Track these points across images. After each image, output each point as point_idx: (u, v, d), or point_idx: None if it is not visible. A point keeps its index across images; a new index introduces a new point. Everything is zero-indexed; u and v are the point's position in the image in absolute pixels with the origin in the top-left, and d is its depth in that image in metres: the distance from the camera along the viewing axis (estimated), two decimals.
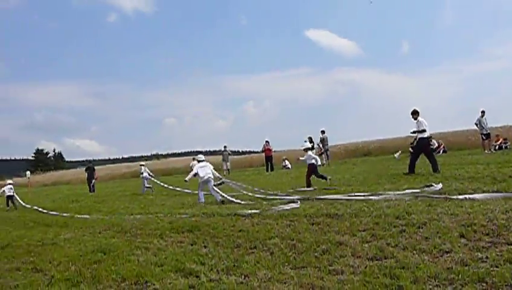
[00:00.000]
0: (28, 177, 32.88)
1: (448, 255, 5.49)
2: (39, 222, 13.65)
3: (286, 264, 5.81)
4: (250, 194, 14.27)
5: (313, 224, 8.13)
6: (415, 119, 15.34)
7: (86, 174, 29.76)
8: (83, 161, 55.86)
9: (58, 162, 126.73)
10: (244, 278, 5.41)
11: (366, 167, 23.45)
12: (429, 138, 15.71)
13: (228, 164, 34.64)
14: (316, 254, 6.11)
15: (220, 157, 36.54)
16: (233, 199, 13.07)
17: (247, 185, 15.93)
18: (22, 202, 21.73)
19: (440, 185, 11.18)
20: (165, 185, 21.73)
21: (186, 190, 18.71)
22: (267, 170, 30.39)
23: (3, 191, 21.73)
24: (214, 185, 13.78)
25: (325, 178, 14.88)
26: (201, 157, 14.41)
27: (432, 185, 11.37)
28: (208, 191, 14.04)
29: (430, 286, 4.55)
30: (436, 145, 30.99)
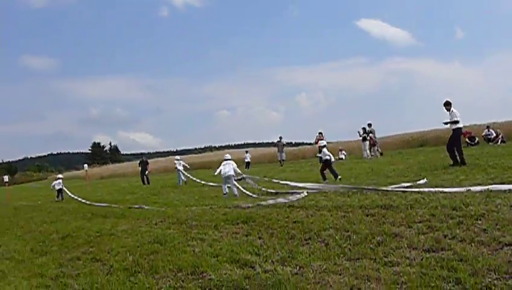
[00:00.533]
0: (86, 170, 34.07)
1: (509, 247, 5.37)
2: (97, 214, 14.26)
3: (341, 255, 5.87)
4: (262, 189, 14.84)
5: (367, 215, 8.13)
6: (448, 110, 15.58)
7: (140, 167, 30.72)
8: (138, 154, 57.43)
9: (114, 155, 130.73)
10: (298, 269, 5.51)
11: (422, 157, 22.93)
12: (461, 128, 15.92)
13: (283, 154, 34.79)
14: (371, 245, 6.13)
15: (274, 149, 36.65)
16: (247, 192, 14.13)
17: (269, 178, 16.62)
18: (70, 194, 23.18)
19: (424, 181, 12.26)
20: (194, 179, 23.21)
21: (211, 183, 20.25)
22: (321, 162, 30.24)
23: (54, 185, 24.32)
24: (235, 179, 14.75)
25: (336, 176, 15.81)
26: (227, 156, 15.43)
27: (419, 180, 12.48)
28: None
29: (490, 279, 4.48)
30: (494, 135, 29.99)
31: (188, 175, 24.24)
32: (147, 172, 29.76)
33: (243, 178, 15.29)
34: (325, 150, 16.72)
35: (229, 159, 15.20)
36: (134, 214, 12.67)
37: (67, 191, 23.92)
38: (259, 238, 7.49)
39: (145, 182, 29.35)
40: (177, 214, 11.34)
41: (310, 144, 44.58)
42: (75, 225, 12.01)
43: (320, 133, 31.40)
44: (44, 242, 10.07)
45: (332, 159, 16.58)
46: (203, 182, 21.71)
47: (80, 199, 19.86)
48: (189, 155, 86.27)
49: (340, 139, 47.22)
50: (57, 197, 23.84)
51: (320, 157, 16.51)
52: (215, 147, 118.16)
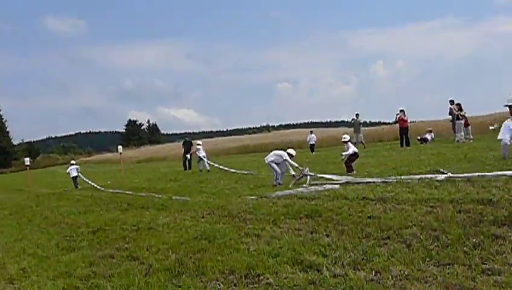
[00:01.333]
0: (120, 153, 34.68)
1: None
2: (133, 204, 14.71)
3: (427, 259, 5.85)
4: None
5: (460, 211, 8.02)
6: None
7: (182, 149, 31.35)
8: (181, 134, 58.34)
9: (153, 135, 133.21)
10: (375, 275, 5.55)
11: None
12: None
13: (360, 135, 34.47)
14: (465, 248, 6.06)
15: (343, 129, 36.36)
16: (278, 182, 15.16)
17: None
18: (90, 182, 24.21)
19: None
20: (221, 167, 24.48)
21: (244, 171, 20.92)
22: (402, 145, 29.80)
23: (69, 172, 26.74)
24: (297, 179, 15.07)
25: (351, 171, 16.62)
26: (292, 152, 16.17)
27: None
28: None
29: None
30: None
31: (217, 165, 25.23)
32: (188, 155, 30.32)
33: (304, 175, 15.21)
34: (349, 144, 17.82)
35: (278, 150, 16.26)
36: (177, 205, 13.02)
37: (87, 180, 25.08)
38: (327, 236, 7.55)
39: (187, 166, 29.96)
40: (229, 206, 11.57)
41: (389, 123, 43.73)
42: (108, 217, 12.48)
43: (401, 111, 30.88)
44: (72, 236, 10.56)
45: (356, 150, 17.68)
46: (232, 170, 22.84)
47: (96, 186, 20.46)
48: (243, 136, 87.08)
49: (424, 118, 46.25)
50: (75, 186, 26.03)
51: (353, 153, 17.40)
52: (273, 127, 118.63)
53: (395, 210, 8.71)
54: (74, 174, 26.52)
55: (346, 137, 18.33)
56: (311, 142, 38.43)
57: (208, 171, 25.62)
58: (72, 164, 27.20)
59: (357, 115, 34.79)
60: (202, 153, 26.50)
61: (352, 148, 17.42)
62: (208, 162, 26.22)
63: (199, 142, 29.18)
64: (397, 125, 31.67)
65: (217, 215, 10.61)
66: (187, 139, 31.87)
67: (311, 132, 40.61)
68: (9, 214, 17.32)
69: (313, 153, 35.46)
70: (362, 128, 36.07)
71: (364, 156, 23.79)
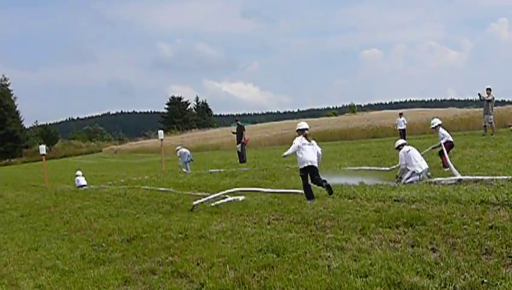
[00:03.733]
0: (161, 139, 34.82)
1: None
2: (179, 206, 14.93)
3: None
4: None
5: None
6: None
7: (236, 135, 31.58)
8: (237, 116, 58.50)
9: (202, 116, 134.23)
10: None
11: None
12: None
13: (490, 117, 33.66)
14: None
15: (454, 110, 35.64)
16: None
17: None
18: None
19: None
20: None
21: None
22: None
23: (78, 181, 27.50)
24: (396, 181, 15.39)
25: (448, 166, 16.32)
26: (303, 125, 14.47)
27: None
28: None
29: None
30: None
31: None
32: (239, 144, 30.52)
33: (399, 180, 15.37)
34: (441, 129, 18.64)
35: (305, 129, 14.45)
36: (235, 208, 13.19)
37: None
38: (433, 250, 7.50)
39: (244, 157, 30.23)
40: (302, 209, 11.65)
41: None
42: (147, 222, 12.73)
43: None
44: (102, 246, 10.79)
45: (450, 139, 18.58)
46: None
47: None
48: (318, 119, 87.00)
49: None
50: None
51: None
52: (359, 107, 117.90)
53: None
54: (80, 184, 27.39)
55: (436, 121, 19.19)
56: (401, 127, 38.60)
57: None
58: (79, 175, 28.28)
59: (488, 90, 33.91)
60: (184, 159, 28.53)
61: (446, 136, 18.30)
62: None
63: (180, 148, 30.96)
64: None
65: (287, 221, 10.69)
66: (239, 124, 32.00)
67: (401, 115, 40.55)
68: (21, 217, 17.70)
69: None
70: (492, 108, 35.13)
71: (482, 146, 23.41)
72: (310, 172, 13.39)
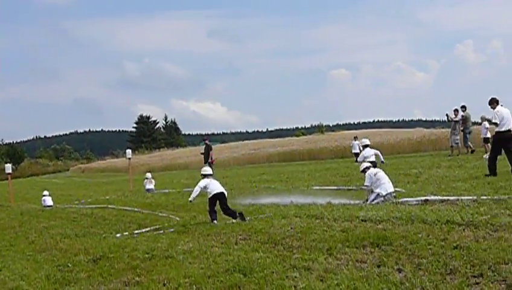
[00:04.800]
0: (129, 158, 34.85)
1: None
2: (145, 225, 14.88)
3: None
4: None
5: None
6: (493, 108, 19.23)
7: (203, 155, 31.72)
8: (205, 135, 58.45)
9: (171, 135, 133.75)
10: None
11: None
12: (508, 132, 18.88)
13: (457, 138, 33.79)
14: None
15: (422, 131, 35.92)
16: None
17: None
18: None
19: None
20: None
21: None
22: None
23: (44, 201, 27.18)
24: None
25: None
26: (207, 171, 15.70)
27: None
28: None
29: None
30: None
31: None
32: (206, 164, 30.61)
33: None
34: (367, 150, 20.23)
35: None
36: (202, 228, 13.17)
37: None
38: (399, 271, 7.54)
39: None
40: (270, 229, 11.65)
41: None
42: (113, 242, 12.63)
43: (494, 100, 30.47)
44: (68, 266, 10.64)
45: (381, 159, 21.06)
46: None
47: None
48: (286, 139, 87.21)
49: None
50: None
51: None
52: (328, 127, 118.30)
53: (491, 239, 8.63)
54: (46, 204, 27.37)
55: (364, 141, 20.77)
56: (355, 150, 39.83)
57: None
58: (46, 195, 27.97)
59: (461, 109, 34.16)
60: (149, 186, 29.10)
61: (365, 156, 19.97)
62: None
63: (149, 175, 31.18)
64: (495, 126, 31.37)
65: (255, 241, 10.69)
66: (207, 143, 32.13)
67: (355, 138, 41.45)
68: None
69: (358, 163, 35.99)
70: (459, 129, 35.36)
71: (448, 166, 23.66)
72: (220, 200, 14.47)
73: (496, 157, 19.07)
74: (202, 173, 15.27)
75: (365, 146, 21.25)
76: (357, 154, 39.16)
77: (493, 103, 19.34)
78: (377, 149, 21.48)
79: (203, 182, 14.72)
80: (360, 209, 13.35)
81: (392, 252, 8.47)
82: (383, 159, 21.74)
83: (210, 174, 15.22)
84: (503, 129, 18.87)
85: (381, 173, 15.90)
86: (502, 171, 18.91)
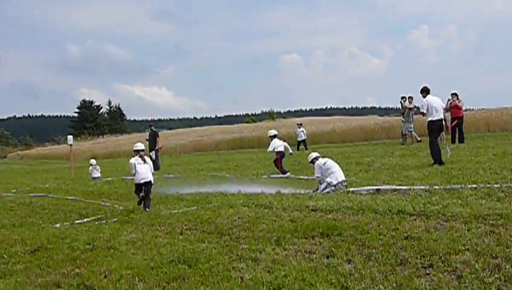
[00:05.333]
0: (70, 145, 34.33)
1: None
2: (87, 215, 14.74)
3: None
4: None
5: None
6: (423, 97, 20.01)
7: (148, 142, 31.40)
8: (151, 121, 57.85)
9: (115, 121, 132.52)
10: None
11: None
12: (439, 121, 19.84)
13: (411, 126, 34.13)
14: None
15: (375, 119, 36.32)
16: None
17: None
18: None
19: None
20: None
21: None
22: (453, 141, 29.75)
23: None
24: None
25: (285, 172, 19.65)
26: (138, 146, 16.37)
27: None
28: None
29: None
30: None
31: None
32: (152, 151, 30.38)
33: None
34: (275, 140, 21.75)
35: None
36: (147, 218, 13.12)
37: None
38: (348, 261, 7.60)
39: (154, 165, 30.20)
40: (217, 219, 11.67)
41: (421, 112, 44.13)
42: (53, 232, 12.45)
43: (454, 94, 30.76)
44: (3, 258, 10.40)
45: (289, 151, 22.49)
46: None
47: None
48: (235, 125, 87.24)
49: (486, 106, 46.57)
50: None
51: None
52: (279, 114, 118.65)
53: (442, 229, 8.75)
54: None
55: (271, 132, 21.96)
56: (301, 138, 40.48)
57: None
58: None
59: (407, 98, 34.48)
60: (95, 174, 29.10)
61: (274, 146, 21.63)
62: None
63: (93, 161, 31.04)
64: (448, 114, 31.67)
65: (201, 231, 10.69)
66: (153, 130, 31.88)
67: (300, 125, 41.59)
68: None
69: (307, 150, 36.22)
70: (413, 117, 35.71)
71: (401, 155, 23.90)
72: (145, 188, 15.37)
73: (435, 143, 19.52)
74: (134, 148, 15.90)
75: (273, 136, 22.26)
76: (302, 142, 39.49)
77: (423, 92, 20.07)
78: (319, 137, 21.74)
79: (133, 159, 15.50)
80: (310, 198, 13.44)
81: (342, 243, 8.54)
82: (291, 151, 22.89)
83: (142, 150, 15.75)
84: (435, 118, 19.56)
85: (330, 162, 15.96)
86: (456, 159, 19.20)
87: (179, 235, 10.62)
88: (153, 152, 30.41)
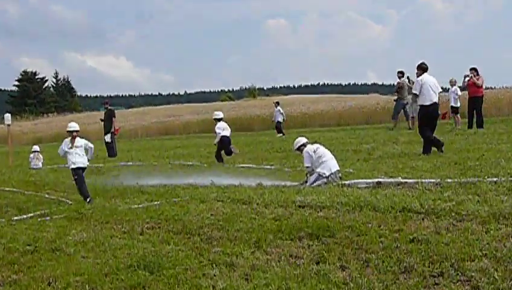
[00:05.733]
0: (8, 125, 34.05)
1: None
2: (27, 209, 14.69)
3: None
4: None
5: None
6: (417, 76, 20.55)
7: (103, 123, 31.36)
8: (107, 98, 57.39)
9: (63, 97, 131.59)
10: None
11: None
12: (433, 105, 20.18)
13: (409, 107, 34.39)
14: None
15: (378, 97, 36.47)
16: None
17: None
18: None
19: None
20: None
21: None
22: (470, 125, 29.92)
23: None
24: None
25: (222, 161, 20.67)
26: (73, 126, 16.25)
27: None
28: None
29: None
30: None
31: None
32: (109, 134, 30.26)
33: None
34: (220, 123, 22.81)
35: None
36: (100, 214, 13.07)
37: None
38: (342, 268, 7.64)
39: (110, 152, 30.12)
40: (185, 216, 11.69)
41: (413, 93, 44.47)
42: None
43: (473, 70, 30.89)
44: None
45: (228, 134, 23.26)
46: None
47: None
48: (208, 104, 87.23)
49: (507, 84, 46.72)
50: None
51: None
52: (261, 91, 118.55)
53: (455, 230, 8.80)
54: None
55: (218, 114, 22.73)
56: (278, 119, 40.82)
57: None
58: None
59: (399, 73, 34.68)
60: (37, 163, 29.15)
61: (220, 130, 22.22)
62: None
63: (36, 147, 31.07)
64: (465, 93, 31.74)
65: (165, 231, 10.70)
66: (109, 108, 31.75)
67: (277, 104, 41.59)
68: None
69: (282, 135, 36.53)
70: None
71: (407, 142, 23.96)
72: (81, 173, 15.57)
73: (426, 129, 19.73)
74: (67, 129, 15.98)
75: (218, 120, 23.07)
76: (278, 124, 39.50)
77: (419, 69, 20.29)
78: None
79: (64, 144, 15.73)
80: (297, 192, 13.44)
81: (335, 246, 8.58)
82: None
83: (76, 131, 15.79)
84: (427, 103, 19.80)
85: (321, 149, 15.93)
86: (473, 147, 19.28)
87: (139, 235, 10.65)
88: (108, 135, 30.31)
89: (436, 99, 19.98)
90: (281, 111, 40.93)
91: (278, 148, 26.03)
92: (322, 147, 16.14)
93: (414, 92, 20.24)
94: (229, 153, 23.20)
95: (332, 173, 15.19)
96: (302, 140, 16.55)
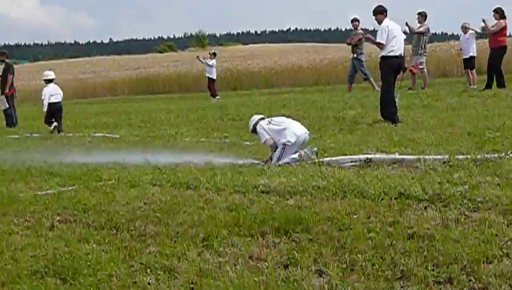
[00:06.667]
0: None
1: None
2: None
3: None
4: None
5: None
6: (378, 22, 21.83)
7: None
8: (4, 48, 56.76)
9: None
10: None
11: None
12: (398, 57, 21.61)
13: (423, 59, 34.33)
14: None
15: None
16: None
17: None
18: None
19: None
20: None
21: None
22: (489, 85, 30.26)
23: None
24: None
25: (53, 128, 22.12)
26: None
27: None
28: None
29: None
30: None
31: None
32: (3, 96, 30.06)
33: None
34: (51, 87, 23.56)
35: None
36: None
37: None
38: (319, 274, 7.67)
39: (9, 120, 30.02)
40: (110, 206, 11.71)
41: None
42: None
43: (496, 11, 31.05)
44: None
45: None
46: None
47: None
48: (142, 56, 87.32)
49: None
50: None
51: None
52: (212, 38, 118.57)
53: (468, 223, 8.88)
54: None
55: (48, 74, 23.28)
56: (209, 75, 41.98)
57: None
58: None
59: (420, 15, 34.65)
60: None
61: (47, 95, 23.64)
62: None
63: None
64: (484, 42, 31.96)
65: (84, 225, 10.69)
66: (5, 61, 31.45)
67: (213, 55, 41.91)
68: None
69: (215, 99, 37.12)
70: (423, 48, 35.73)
71: (406, 106, 24.09)
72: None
73: (393, 90, 21.33)
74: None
75: (48, 81, 23.57)
76: (210, 81, 39.79)
77: (377, 13, 21.69)
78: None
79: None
80: (259, 173, 13.48)
81: (310, 244, 8.61)
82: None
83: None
84: (394, 54, 21.11)
85: (277, 117, 16.22)
86: (491, 114, 19.41)
87: (48, 230, 10.60)
88: (3, 98, 29.90)
89: (402, 50, 21.21)
90: (214, 65, 40.91)
91: (235, 115, 26.08)
92: (277, 117, 16.34)
93: (380, 41, 21.04)
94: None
95: (299, 136, 15.26)
96: (255, 118, 16.53)
